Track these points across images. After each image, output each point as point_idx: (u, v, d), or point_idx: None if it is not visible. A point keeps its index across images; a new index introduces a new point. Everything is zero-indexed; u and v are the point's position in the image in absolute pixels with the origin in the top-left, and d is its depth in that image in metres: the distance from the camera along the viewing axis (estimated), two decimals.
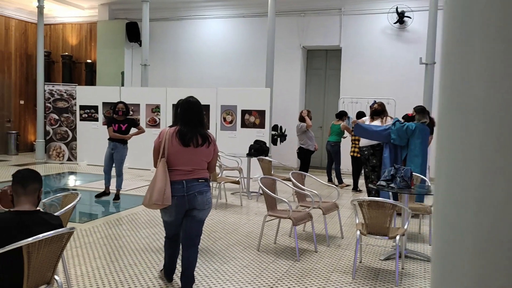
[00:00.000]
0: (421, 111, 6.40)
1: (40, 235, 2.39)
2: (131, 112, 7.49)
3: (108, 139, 6.82)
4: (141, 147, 10.19)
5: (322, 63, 11.65)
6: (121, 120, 6.80)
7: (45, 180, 8.89)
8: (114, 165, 6.89)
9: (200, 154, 3.48)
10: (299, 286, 3.79)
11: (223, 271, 4.09)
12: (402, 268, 4.27)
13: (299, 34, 11.16)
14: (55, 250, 2.55)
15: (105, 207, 6.81)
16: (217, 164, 7.00)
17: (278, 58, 10.10)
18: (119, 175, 6.94)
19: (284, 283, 3.83)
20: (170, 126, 3.59)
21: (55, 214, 3.23)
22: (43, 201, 3.43)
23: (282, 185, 6.80)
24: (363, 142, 6.69)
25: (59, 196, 3.59)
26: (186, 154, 3.43)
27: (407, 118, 8.89)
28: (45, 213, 2.67)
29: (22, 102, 12.97)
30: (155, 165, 3.48)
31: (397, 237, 3.90)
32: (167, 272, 3.80)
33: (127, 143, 6.87)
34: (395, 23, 10.24)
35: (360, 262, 4.43)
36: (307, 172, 6.63)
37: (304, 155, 8.14)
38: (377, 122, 6.60)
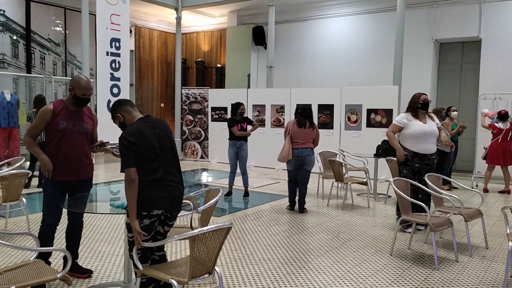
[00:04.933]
0: None
1: (205, 228, 2.63)
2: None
3: (231, 139, 7.13)
4: (266, 147, 10.58)
5: (458, 57, 10.71)
6: (239, 119, 7.11)
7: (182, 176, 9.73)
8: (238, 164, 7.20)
9: (308, 133, 6.19)
10: None
11: (355, 273, 4.02)
12: None
13: (431, 26, 10.41)
14: (215, 243, 2.74)
15: (233, 203, 7.18)
16: (343, 164, 6.91)
17: (406, 54, 9.55)
18: (246, 173, 7.26)
19: None
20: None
21: (201, 207, 3.54)
22: (190, 194, 3.77)
23: None
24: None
25: (204, 191, 3.90)
26: (300, 133, 6.15)
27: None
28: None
29: (162, 105, 14.44)
30: (285, 139, 6.23)
31: None
32: (291, 204, 6.47)
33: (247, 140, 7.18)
34: None
35: (511, 276, 3.96)
36: (442, 175, 6.14)
37: (439, 156, 7.53)
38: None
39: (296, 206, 6.45)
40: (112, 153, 3.46)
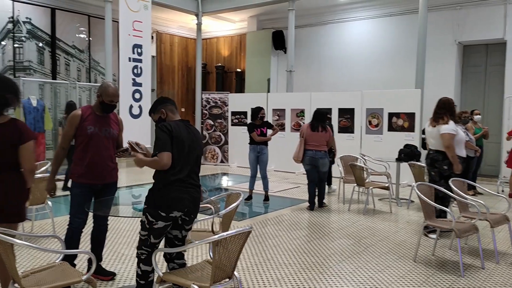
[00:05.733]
0: None
1: (224, 233, 2.62)
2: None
3: (251, 143, 7.13)
4: (286, 151, 10.54)
5: (482, 59, 10.49)
6: (259, 124, 7.11)
7: (202, 180, 9.80)
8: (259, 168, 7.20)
9: (321, 136, 6.60)
10: None
11: (378, 280, 3.96)
12: None
13: (454, 29, 10.24)
14: (235, 248, 2.74)
15: (253, 207, 7.18)
16: (364, 168, 6.85)
17: (429, 57, 9.42)
18: (266, 177, 7.25)
19: None
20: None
21: (222, 211, 3.56)
22: (211, 198, 3.78)
23: None
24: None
25: (224, 195, 3.92)
26: (314, 136, 6.57)
27: None
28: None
29: (183, 109, 14.58)
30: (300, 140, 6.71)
31: None
32: (311, 205, 6.77)
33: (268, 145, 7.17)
34: None
35: None
36: (467, 180, 6.01)
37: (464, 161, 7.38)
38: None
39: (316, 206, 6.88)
40: (131, 147, 3.12)
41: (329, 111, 9.84)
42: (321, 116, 6.76)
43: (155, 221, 2.88)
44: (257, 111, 7.12)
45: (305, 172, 6.89)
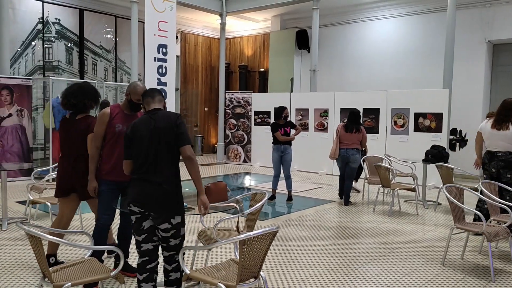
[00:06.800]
0: None
1: (251, 233, 2.61)
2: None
3: (275, 143, 7.09)
4: (309, 151, 10.49)
5: None
6: (282, 124, 7.07)
7: (225, 179, 9.85)
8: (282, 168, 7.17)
9: (354, 136, 6.99)
10: None
11: (405, 283, 3.88)
12: None
13: (483, 27, 9.96)
14: (261, 247, 2.71)
15: (276, 207, 7.16)
16: (389, 169, 6.74)
17: (457, 56, 9.20)
18: (290, 177, 7.21)
19: None
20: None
21: (246, 210, 3.55)
22: (236, 197, 3.78)
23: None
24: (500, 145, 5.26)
25: (249, 194, 3.91)
26: (347, 136, 6.99)
27: None
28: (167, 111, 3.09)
29: (206, 109, 14.68)
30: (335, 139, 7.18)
31: None
32: (340, 194, 7.38)
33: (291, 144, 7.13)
34: None
35: None
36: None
37: None
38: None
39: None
40: None
41: (359, 111, 9.77)
42: (356, 118, 7.10)
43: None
44: (281, 111, 7.09)
45: (328, 173, 6.98)
